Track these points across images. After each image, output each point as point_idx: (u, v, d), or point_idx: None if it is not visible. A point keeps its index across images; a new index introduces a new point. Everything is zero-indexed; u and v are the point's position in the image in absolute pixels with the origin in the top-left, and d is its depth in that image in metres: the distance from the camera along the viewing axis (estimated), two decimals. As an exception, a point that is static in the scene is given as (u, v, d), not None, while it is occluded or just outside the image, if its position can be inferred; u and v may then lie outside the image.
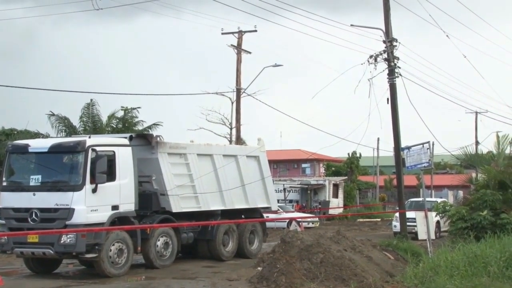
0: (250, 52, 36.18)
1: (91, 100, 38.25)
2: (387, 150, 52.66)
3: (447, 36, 32.77)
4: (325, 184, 49.49)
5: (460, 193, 51.89)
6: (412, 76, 34.10)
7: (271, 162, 24.54)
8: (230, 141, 35.92)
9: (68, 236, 16.48)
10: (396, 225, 27.94)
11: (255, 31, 35.11)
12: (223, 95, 37.35)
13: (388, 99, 23.93)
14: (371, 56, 24.14)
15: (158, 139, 19.32)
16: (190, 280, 16.59)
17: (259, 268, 16.53)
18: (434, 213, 24.29)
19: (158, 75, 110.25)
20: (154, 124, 38.85)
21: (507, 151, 23.19)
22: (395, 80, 23.85)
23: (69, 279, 17.80)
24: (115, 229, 17.15)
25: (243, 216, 21.97)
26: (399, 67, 24.11)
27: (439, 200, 29.65)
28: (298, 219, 34.94)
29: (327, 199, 48.15)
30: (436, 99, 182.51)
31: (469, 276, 13.82)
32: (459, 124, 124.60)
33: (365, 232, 32.12)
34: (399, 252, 18.49)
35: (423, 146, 19.16)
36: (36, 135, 34.60)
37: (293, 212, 38.68)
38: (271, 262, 15.47)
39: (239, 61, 35.88)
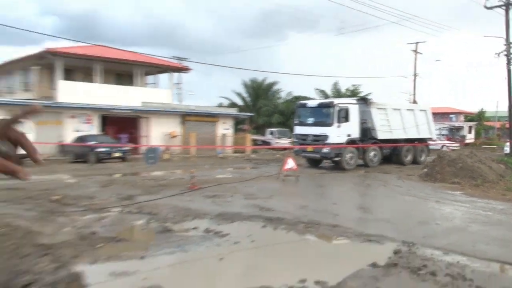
0: (421, 53, 35.89)
1: (336, 81, 42.58)
2: (503, 108, 51.06)
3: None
4: (463, 126, 48.43)
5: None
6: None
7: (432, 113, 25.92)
8: (409, 102, 37.00)
9: (326, 148, 17.96)
10: (507, 149, 27.07)
11: (425, 41, 35.74)
12: (405, 77, 40.56)
13: (505, 78, 23.79)
14: (496, 53, 24.08)
15: (371, 100, 19.99)
16: (387, 174, 17.12)
17: (425, 170, 16.54)
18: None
19: (372, 67, 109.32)
20: (368, 93, 41.67)
21: None
22: (511, 66, 23.58)
23: (326, 169, 18.88)
24: (348, 146, 18.31)
25: (416, 142, 21.67)
26: (514, 58, 23.46)
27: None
28: (447, 144, 35.54)
29: (464, 134, 47.34)
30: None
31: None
32: None
33: (487, 153, 29.08)
34: (508, 164, 17.36)
35: None
36: (309, 98, 37.92)
37: (444, 141, 38.69)
38: (432, 167, 15.82)
39: (415, 59, 36.03)
